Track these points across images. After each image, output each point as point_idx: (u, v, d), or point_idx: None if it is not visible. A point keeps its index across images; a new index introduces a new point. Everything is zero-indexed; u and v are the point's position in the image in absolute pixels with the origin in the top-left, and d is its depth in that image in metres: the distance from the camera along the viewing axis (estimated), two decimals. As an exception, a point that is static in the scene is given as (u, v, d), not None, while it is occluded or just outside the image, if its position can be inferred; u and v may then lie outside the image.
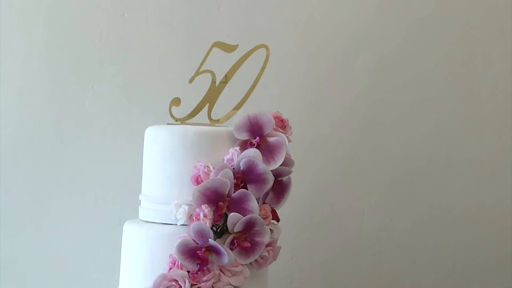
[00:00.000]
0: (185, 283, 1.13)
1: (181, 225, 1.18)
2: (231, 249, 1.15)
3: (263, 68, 1.26)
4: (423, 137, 1.59)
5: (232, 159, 1.20)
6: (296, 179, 1.27)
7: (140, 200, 1.25)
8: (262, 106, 1.25)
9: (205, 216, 1.15)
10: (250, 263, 1.18)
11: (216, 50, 1.27)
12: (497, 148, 1.59)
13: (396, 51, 1.59)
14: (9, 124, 1.55)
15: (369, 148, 1.59)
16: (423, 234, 1.58)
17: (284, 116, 1.25)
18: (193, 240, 1.15)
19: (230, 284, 1.15)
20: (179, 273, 1.13)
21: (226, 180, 1.16)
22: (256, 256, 1.17)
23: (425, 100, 1.59)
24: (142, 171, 1.25)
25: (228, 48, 1.29)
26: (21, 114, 1.56)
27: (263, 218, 1.19)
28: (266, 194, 1.22)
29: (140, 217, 1.25)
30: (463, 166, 1.58)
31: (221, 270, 1.15)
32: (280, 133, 1.22)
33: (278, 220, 1.24)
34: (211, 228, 1.15)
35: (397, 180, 1.59)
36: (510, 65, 1.58)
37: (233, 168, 1.18)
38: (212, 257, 1.15)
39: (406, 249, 1.58)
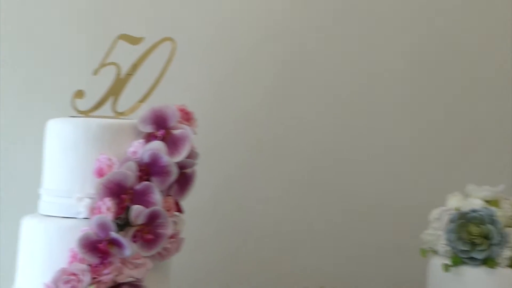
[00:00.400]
0: (85, 276, 1.09)
1: (82, 218, 1.13)
2: (134, 242, 1.13)
3: (169, 61, 1.24)
4: (328, 132, 1.61)
5: (136, 152, 1.17)
6: (202, 172, 1.25)
7: (40, 194, 1.20)
8: (168, 100, 1.22)
9: (107, 209, 1.12)
10: (153, 255, 1.15)
11: (122, 42, 1.23)
12: (398, 145, 1.62)
13: (303, 48, 1.60)
14: None
15: (275, 142, 1.60)
16: (325, 225, 1.60)
17: (190, 109, 1.23)
18: (95, 233, 1.11)
19: (132, 277, 1.12)
20: (79, 267, 1.09)
21: (129, 172, 1.14)
22: (159, 248, 1.15)
23: (331, 95, 1.61)
24: (43, 165, 1.20)
25: (134, 40, 1.26)
26: None
27: (167, 210, 1.16)
28: (170, 186, 1.19)
29: (39, 211, 1.19)
30: (368, 162, 1.61)
31: (123, 263, 1.12)
32: (185, 125, 1.20)
33: (181, 212, 1.22)
34: (114, 221, 1.12)
35: (301, 174, 1.60)
36: (408, 60, 1.62)
37: (137, 161, 1.15)
38: (114, 250, 1.11)
39: (308, 239, 1.60)
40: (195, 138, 1.21)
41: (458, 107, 1.63)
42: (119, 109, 1.24)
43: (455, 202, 1.33)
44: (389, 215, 1.59)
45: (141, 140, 1.18)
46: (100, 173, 1.15)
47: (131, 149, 1.17)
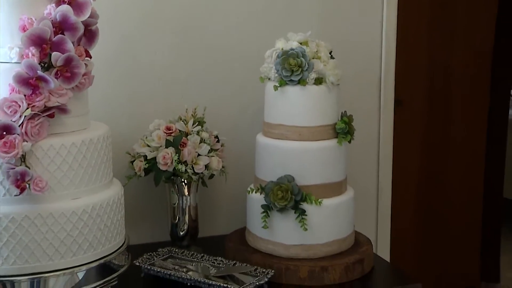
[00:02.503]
0: (23, 103, 1.20)
1: (15, 63, 1.22)
2: (56, 78, 1.24)
3: None
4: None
5: (50, 13, 1.25)
6: (104, 30, 1.33)
7: (-18, 47, 1.26)
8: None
9: (33, 55, 1.22)
10: (72, 87, 1.27)
11: None
12: (248, 9, 1.72)
13: None
14: None
15: (157, 8, 1.65)
16: (196, 67, 1.69)
17: (88, -18, 1.29)
18: (26, 72, 1.20)
19: (58, 102, 1.24)
20: (17, 96, 1.21)
21: (46, 28, 1.22)
22: (76, 82, 1.28)
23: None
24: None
25: None
26: None
27: (79, 56, 1.27)
28: (80, 39, 1.30)
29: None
30: (226, 21, 1.69)
31: (50, 93, 1.23)
32: (86, -7, 1.27)
33: (90, 57, 1.33)
34: (39, 64, 1.21)
35: (180, 30, 1.66)
36: None
37: (52, 20, 1.23)
38: (42, 84, 1.22)
39: (188, 79, 1.72)
40: (97, 4, 1.29)
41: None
42: (34, -19, 1.27)
43: (280, 44, 1.52)
44: (238, 57, 1.74)
45: (53, 4, 1.24)
46: (24, 28, 1.23)
47: (46, 11, 1.24)
